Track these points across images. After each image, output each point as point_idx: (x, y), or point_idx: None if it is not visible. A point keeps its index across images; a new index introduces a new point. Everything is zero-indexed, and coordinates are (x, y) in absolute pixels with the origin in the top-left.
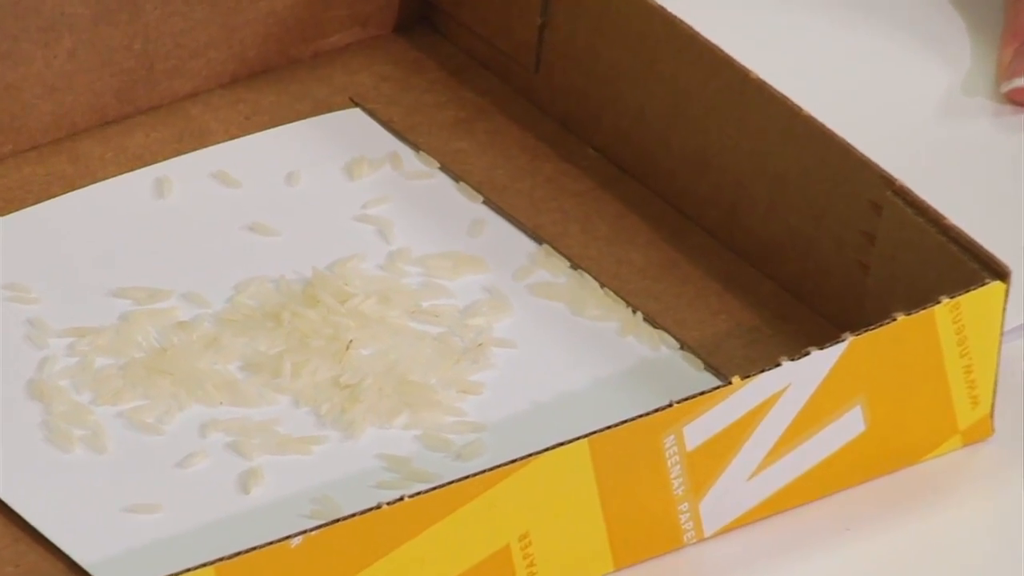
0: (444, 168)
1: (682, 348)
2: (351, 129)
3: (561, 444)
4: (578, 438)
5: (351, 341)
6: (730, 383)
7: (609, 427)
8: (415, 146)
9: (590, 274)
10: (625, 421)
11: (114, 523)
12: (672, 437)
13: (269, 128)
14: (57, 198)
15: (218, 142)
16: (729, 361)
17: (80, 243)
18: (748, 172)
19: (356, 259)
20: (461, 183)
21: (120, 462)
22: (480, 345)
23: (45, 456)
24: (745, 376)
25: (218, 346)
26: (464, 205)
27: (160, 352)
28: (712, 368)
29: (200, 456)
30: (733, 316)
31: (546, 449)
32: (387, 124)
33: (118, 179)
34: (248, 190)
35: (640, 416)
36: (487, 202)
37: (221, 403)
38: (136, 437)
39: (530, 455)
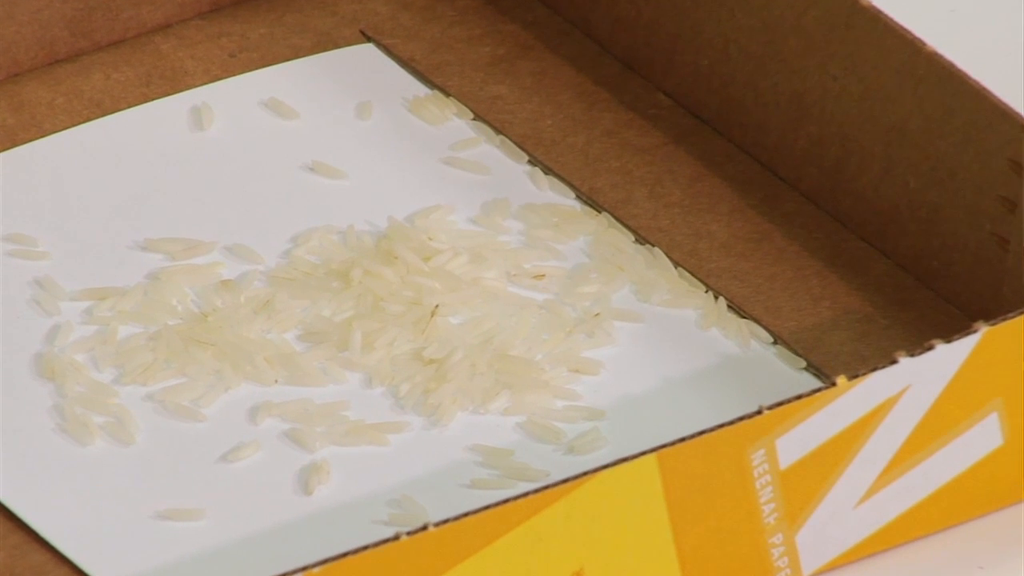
0: (479, 119)
1: (776, 343)
2: (362, 70)
3: (623, 460)
4: (644, 453)
5: (436, 307)
6: (834, 384)
7: (682, 439)
8: (443, 91)
9: (661, 250)
10: (703, 432)
11: (144, 534)
12: (761, 452)
13: (260, 68)
14: (68, 130)
15: (197, 85)
16: (834, 358)
17: (99, 185)
18: (857, 122)
19: (442, 210)
20: (501, 137)
21: (151, 457)
22: (597, 316)
23: (57, 450)
24: (853, 376)
25: (271, 311)
26: (504, 165)
27: (199, 319)
28: (813, 367)
29: (250, 448)
30: (839, 302)
31: (604, 467)
32: (407, 64)
33: (145, 107)
34: (308, 122)
35: (721, 426)
36: (532, 161)
37: (276, 381)
38: (170, 425)
39: (584, 474)
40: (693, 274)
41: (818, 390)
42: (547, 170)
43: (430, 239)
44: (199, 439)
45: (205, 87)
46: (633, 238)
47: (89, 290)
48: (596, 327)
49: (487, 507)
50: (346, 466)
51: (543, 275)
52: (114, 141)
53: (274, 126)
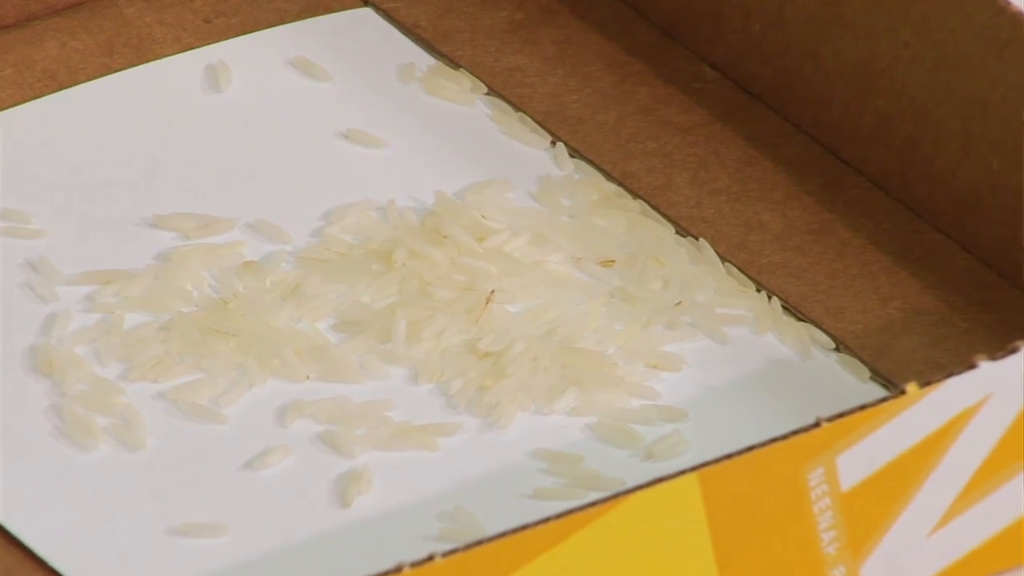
0: (493, 93)
1: (838, 349)
2: (359, 38)
3: (659, 480)
4: (683, 472)
5: (492, 292)
6: (903, 393)
7: (728, 456)
8: (452, 62)
9: (706, 243)
10: (751, 448)
11: (157, 554)
12: (820, 471)
13: (239, 36)
14: (66, 90)
15: (167, 55)
16: (905, 367)
17: (100, 153)
18: (932, 95)
19: (497, 185)
20: (520, 114)
21: (163, 465)
22: (679, 305)
23: (56, 457)
24: (925, 383)
25: (301, 297)
26: (522, 145)
27: (218, 305)
28: (880, 376)
29: (278, 453)
30: (911, 302)
31: (635, 488)
32: (411, 31)
33: (152, 65)
34: (343, 85)
35: (773, 440)
36: (558, 140)
37: (308, 377)
38: (186, 427)
39: (614, 496)
40: (743, 271)
41: (885, 399)
42: (573, 152)
43: (484, 217)
44: (219, 444)
45: (222, 43)
46: (674, 230)
47: (90, 273)
48: (678, 318)
49: (502, 535)
50: (389, 474)
51: (612, 261)
52: (116, 104)
53: (302, 88)
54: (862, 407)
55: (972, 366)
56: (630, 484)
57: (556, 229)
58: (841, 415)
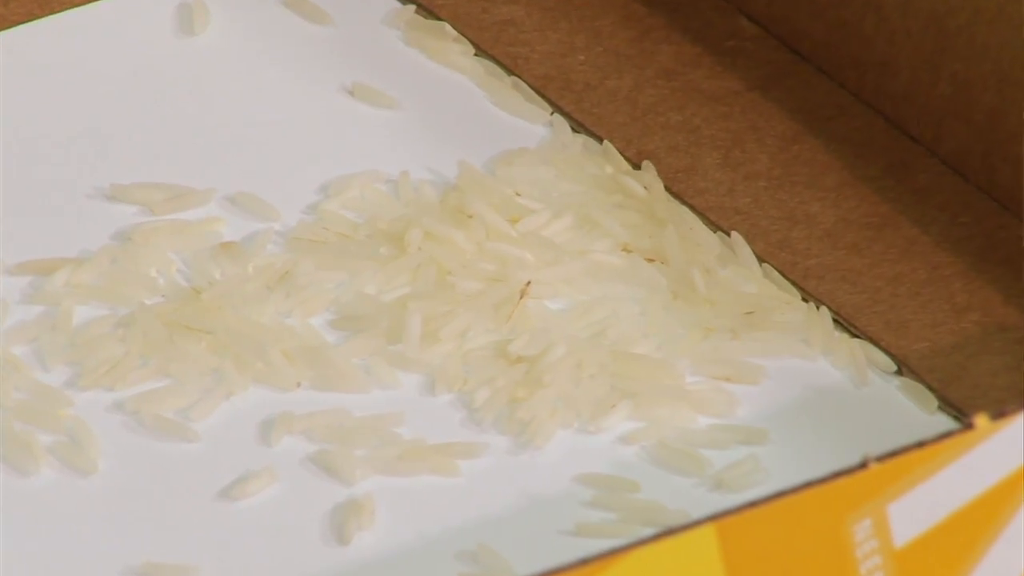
0: (482, 54)
1: (900, 372)
2: None
3: (670, 532)
4: (698, 522)
5: (528, 285)
6: (971, 427)
7: (752, 504)
8: (431, 13)
9: (741, 238)
10: (781, 494)
11: None
12: (867, 523)
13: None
14: (16, 27)
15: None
16: (983, 394)
17: (45, 108)
18: (1021, 60)
19: (532, 155)
20: (513, 78)
21: (120, 491)
22: (750, 315)
23: None
24: (998, 414)
25: (291, 287)
26: (518, 117)
27: (189, 296)
28: (951, 406)
29: (262, 479)
30: (992, 315)
31: (640, 542)
32: None
33: (109, 2)
34: (345, 29)
35: (809, 485)
36: (559, 112)
37: (298, 385)
38: (148, 446)
39: (614, 552)
40: (784, 274)
41: (948, 435)
42: (578, 126)
43: (517, 194)
44: (189, 467)
45: None
46: (700, 222)
47: (32, 260)
48: (747, 326)
49: None
50: (397, 504)
51: (654, 260)
52: (61, 49)
53: (294, 32)
54: (919, 444)
55: None
56: (696, 514)
57: (605, 210)
58: (893, 453)
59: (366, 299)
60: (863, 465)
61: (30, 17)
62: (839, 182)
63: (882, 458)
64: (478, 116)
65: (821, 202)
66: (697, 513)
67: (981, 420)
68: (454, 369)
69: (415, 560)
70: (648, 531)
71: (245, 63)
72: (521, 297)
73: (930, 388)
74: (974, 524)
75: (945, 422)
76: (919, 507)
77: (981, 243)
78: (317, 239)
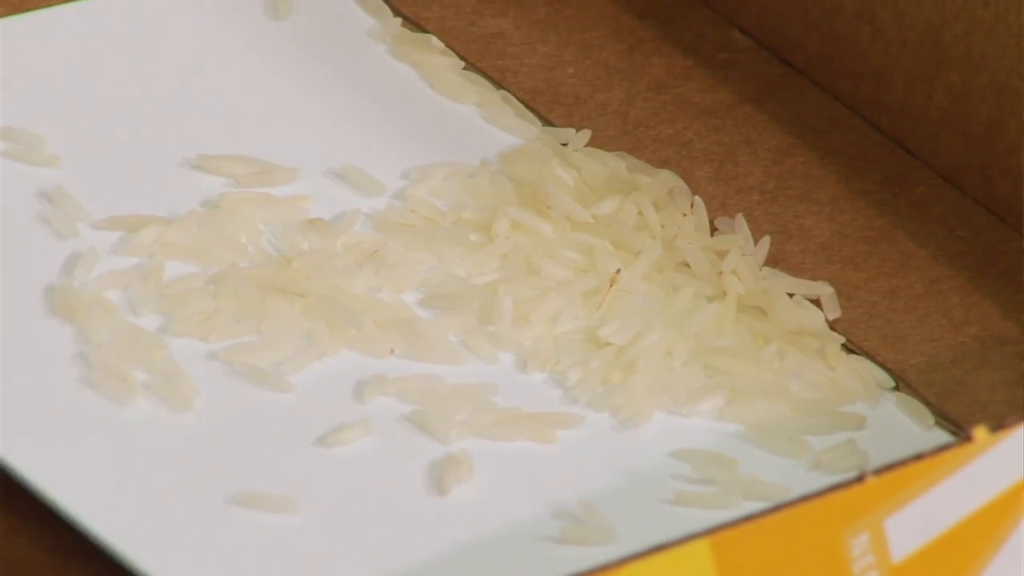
0: (471, 67)
1: (898, 387)
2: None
3: (663, 547)
4: (692, 537)
5: (618, 273)
6: (969, 439)
7: (748, 518)
8: (417, 25)
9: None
10: (777, 507)
11: (215, 522)
12: (864, 537)
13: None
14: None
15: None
16: (981, 408)
17: (133, 78)
18: (1018, 68)
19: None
20: (502, 92)
21: (216, 429)
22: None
23: (86, 411)
24: (998, 427)
25: (381, 264)
26: (502, 131)
27: (280, 263)
28: (949, 421)
29: (356, 430)
30: (990, 328)
31: (632, 557)
32: None
33: None
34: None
35: (805, 499)
36: (548, 126)
37: (391, 352)
38: (243, 391)
39: (607, 566)
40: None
41: (946, 447)
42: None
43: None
44: (283, 415)
45: None
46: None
47: (120, 218)
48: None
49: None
50: (495, 464)
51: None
52: (155, 20)
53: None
54: (917, 457)
55: None
56: (796, 493)
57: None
58: (891, 467)
59: (457, 280)
60: (860, 478)
61: None
62: (834, 195)
63: (879, 471)
64: (468, 129)
65: (816, 216)
66: (798, 490)
67: (980, 433)
68: (546, 350)
69: (516, 514)
70: (749, 504)
71: (332, 46)
72: (611, 286)
73: (927, 403)
74: (973, 538)
75: (942, 438)
76: (917, 521)
77: (979, 256)
78: (405, 222)
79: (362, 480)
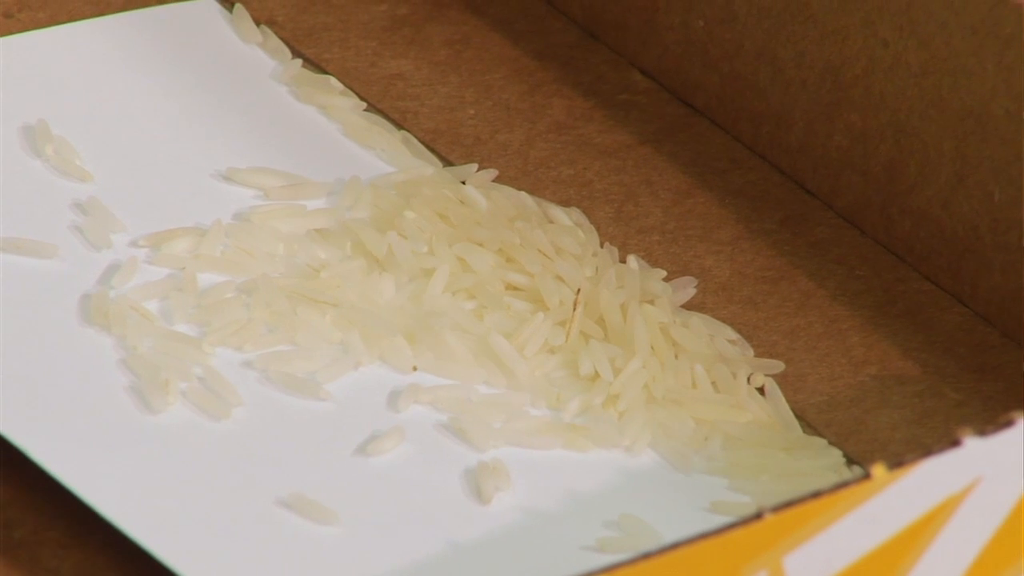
0: (372, 108)
1: (802, 427)
2: (204, 35)
3: None
4: (589, 574)
5: (579, 293)
6: (867, 477)
7: (643, 557)
8: (318, 67)
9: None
10: (672, 547)
11: (255, 535)
12: (763, 575)
13: (44, 28)
14: (111, 16)
15: None
16: (882, 447)
17: (160, 87)
18: (918, 108)
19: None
20: (403, 132)
21: (254, 436)
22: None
23: (124, 420)
24: (896, 464)
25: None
26: (404, 173)
27: (308, 274)
28: (850, 460)
29: (393, 438)
30: (890, 367)
31: None
32: (268, 26)
33: None
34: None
35: (703, 536)
36: (448, 167)
37: (414, 368)
38: (280, 400)
39: None
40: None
41: (844, 484)
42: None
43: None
44: (320, 423)
45: None
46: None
47: (155, 234)
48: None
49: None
50: (531, 472)
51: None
52: (177, 34)
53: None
54: (815, 494)
55: (956, 443)
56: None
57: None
58: (789, 504)
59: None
60: (758, 516)
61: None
62: (734, 235)
63: (777, 508)
64: (364, 170)
65: (716, 256)
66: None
67: (878, 470)
68: (543, 387)
69: (558, 523)
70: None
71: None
72: (575, 308)
73: (828, 442)
74: (873, 575)
75: (843, 473)
76: (816, 558)
77: (878, 296)
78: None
79: (401, 489)
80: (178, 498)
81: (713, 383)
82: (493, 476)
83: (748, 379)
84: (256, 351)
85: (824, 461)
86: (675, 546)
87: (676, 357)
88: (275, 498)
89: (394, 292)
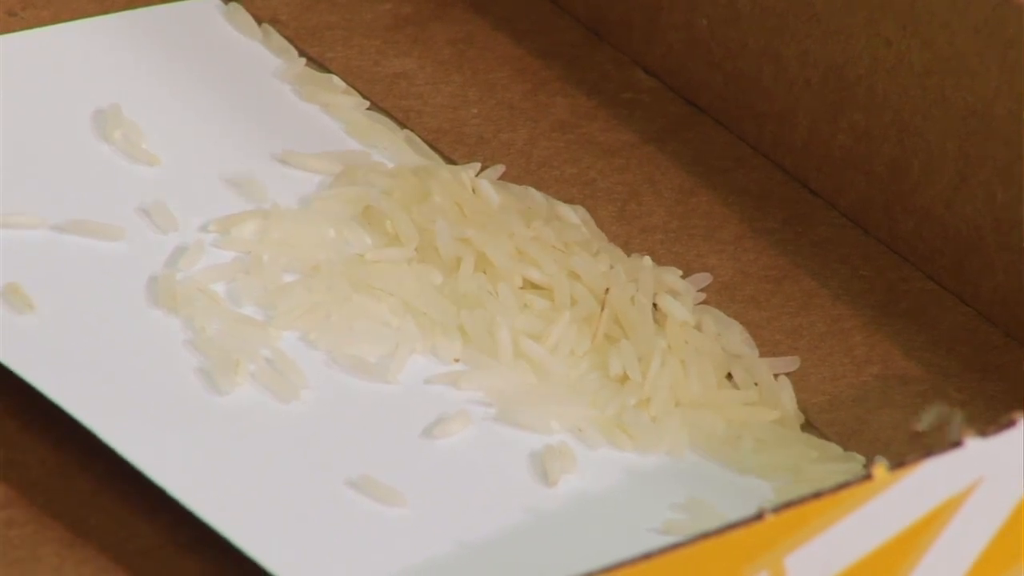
0: (375, 107)
1: (802, 426)
2: (206, 33)
3: None
4: (589, 574)
5: (607, 292)
6: (869, 477)
7: (644, 557)
8: (320, 64)
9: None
10: (673, 547)
11: (325, 516)
12: (764, 575)
13: (50, 24)
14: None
15: None
16: (885, 447)
17: (222, 78)
18: (922, 108)
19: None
20: (406, 131)
21: (325, 418)
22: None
23: (193, 401)
24: (897, 464)
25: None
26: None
27: (355, 261)
28: (851, 455)
29: (458, 421)
30: (893, 367)
31: None
32: (271, 25)
33: None
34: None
35: (705, 536)
36: (453, 165)
37: (456, 360)
38: (348, 383)
39: None
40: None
41: (845, 485)
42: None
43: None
44: (387, 405)
45: None
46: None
47: (223, 219)
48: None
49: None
50: (596, 457)
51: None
52: (184, 32)
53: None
54: (816, 495)
55: (957, 444)
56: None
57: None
58: (790, 504)
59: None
60: (759, 516)
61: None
62: (737, 235)
63: (778, 509)
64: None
65: (719, 255)
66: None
67: (879, 470)
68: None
69: (625, 506)
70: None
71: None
72: (602, 310)
73: (828, 439)
74: (874, 575)
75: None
76: (817, 558)
77: (881, 296)
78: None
79: (468, 471)
80: (247, 479)
81: (733, 381)
82: (560, 459)
83: (776, 377)
84: (321, 335)
85: (847, 465)
86: (676, 546)
87: (698, 355)
88: (343, 479)
89: (442, 281)
